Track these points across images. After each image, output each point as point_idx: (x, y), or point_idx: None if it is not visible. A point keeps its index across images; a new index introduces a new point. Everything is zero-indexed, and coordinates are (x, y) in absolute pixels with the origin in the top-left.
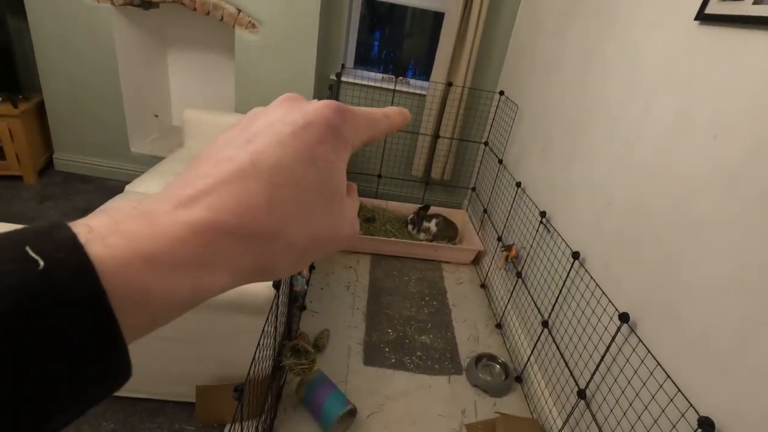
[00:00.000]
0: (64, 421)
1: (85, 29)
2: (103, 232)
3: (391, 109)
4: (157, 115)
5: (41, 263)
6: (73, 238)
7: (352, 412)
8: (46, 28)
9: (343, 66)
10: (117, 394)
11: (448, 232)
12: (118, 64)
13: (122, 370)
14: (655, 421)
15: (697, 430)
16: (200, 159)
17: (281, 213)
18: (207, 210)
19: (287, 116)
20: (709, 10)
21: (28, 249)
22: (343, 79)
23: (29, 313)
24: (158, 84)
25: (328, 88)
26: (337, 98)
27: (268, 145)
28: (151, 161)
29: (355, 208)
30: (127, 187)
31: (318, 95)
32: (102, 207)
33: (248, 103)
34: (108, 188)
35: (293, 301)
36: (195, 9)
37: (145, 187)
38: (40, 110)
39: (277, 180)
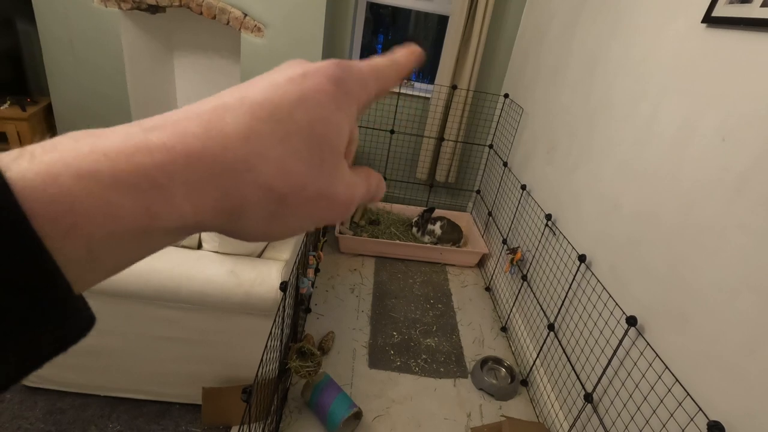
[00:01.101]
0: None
1: (92, 33)
2: (37, 151)
3: (398, 52)
4: None
5: None
6: None
7: (358, 415)
8: (54, 32)
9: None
10: (123, 395)
11: (453, 234)
12: (126, 67)
13: (70, 312)
14: (664, 425)
15: None
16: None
17: (258, 145)
18: (168, 133)
19: (287, 70)
20: (716, 13)
21: None
22: None
23: None
24: (165, 87)
25: None
26: None
27: (260, 85)
28: None
29: (357, 183)
30: None
31: None
32: None
33: None
34: None
35: (299, 304)
36: (201, 13)
37: None
38: (48, 113)
39: (259, 113)
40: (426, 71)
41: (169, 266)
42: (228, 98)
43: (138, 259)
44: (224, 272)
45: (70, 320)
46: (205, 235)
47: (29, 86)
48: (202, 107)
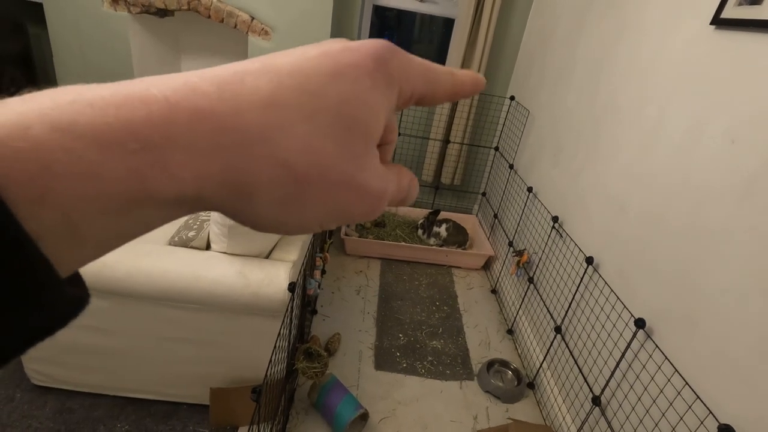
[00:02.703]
0: None
1: (102, 37)
2: (13, 101)
3: (460, 70)
4: None
5: None
6: None
7: (364, 417)
8: (64, 36)
9: None
10: (131, 395)
11: (459, 237)
12: (134, 71)
13: (50, 292)
14: (674, 429)
15: None
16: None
17: (279, 115)
18: (173, 87)
19: (326, 44)
20: (725, 15)
21: None
22: None
23: None
24: None
25: None
26: None
27: (291, 56)
28: None
29: (390, 179)
30: None
31: None
32: None
33: None
34: None
35: (305, 305)
36: (209, 16)
37: None
38: None
39: (286, 82)
40: None
41: (178, 267)
42: (251, 65)
43: (130, 235)
44: (233, 273)
45: (52, 301)
46: (213, 236)
47: (40, 89)
48: (220, 70)
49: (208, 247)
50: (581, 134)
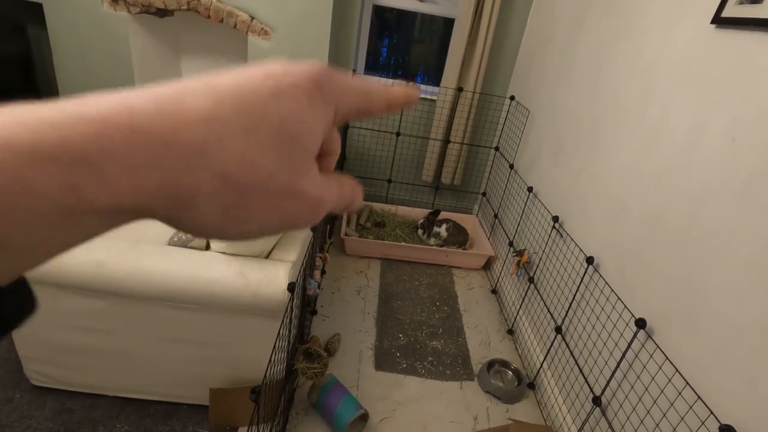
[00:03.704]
0: None
1: (102, 37)
2: None
3: (395, 87)
4: None
5: None
6: None
7: (364, 417)
8: (64, 37)
9: (354, 71)
10: (131, 395)
11: (459, 237)
12: (134, 70)
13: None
14: (674, 429)
15: None
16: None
17: (218, 131)
18: (111, 105)
19: (268, 66)
20: (726, 14)
21: None
22: None
23: None
24: None
25: None
26: None
27: (233, 75)
28: None
29: (328, 186)
30: None
31: None
32: None
33: None
34: None
35: (306, 305)
36: (209, 17)
37: None
38: None
39: (225, 99)
40: (432, 74)
41: (177, 267)
42: (192, 84)
43: (72, 243)
44: (232, 273)
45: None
46: None
47: (40, 90)
48: (161, 87)
49: (207, 247)
50: (581, 134)
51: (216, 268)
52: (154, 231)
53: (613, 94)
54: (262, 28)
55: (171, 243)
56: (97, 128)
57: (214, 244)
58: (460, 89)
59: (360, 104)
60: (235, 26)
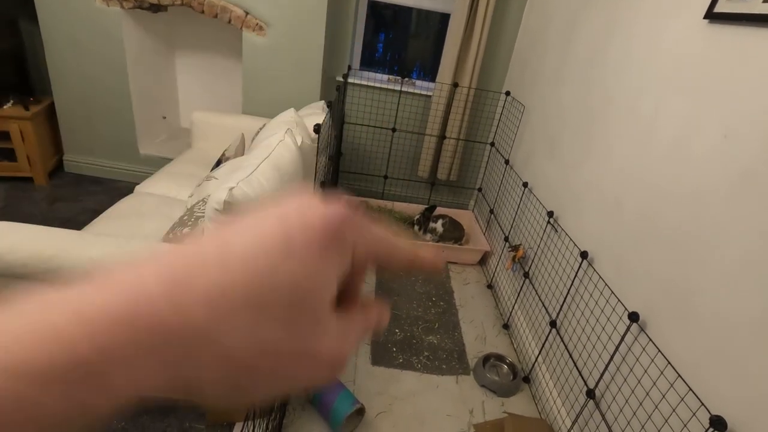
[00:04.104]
0: None
1: (94, 32)
2: None
3: (424, 249)
4: (165, 117)
5: None
6: None
7: (361, 412)
8: (56, 32)
9: (349, 67)
10: None
11: (455, 232)
12: (127, 66)
13: None
14: (666, 421)
15: (708, 429)
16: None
17: (226, 313)
18: (117, 293)
19: (285, 213)
20: (718, 9)
21: None
22: (350, 80)
23: None
24: (166, 86)
25: (336, 89)
26: (343, 99)
27: (247, 236)
28: (159, 162)
29: (348, 332)
30: (137, 188)
31: (325, 96)
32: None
33: (256, 105)
34: (118, 190)
35: None
36: (203, 12)
37: (154, 188)
38: (51, 113)
39: (236, 270)
40: (428, 69)
41: None
42: (209, 247)
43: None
44: None
45: None
46: (208, 232)
47: (32, 85)
48: (173, 259)
49: None
50: (576, 129)
51: None
52: (150, 227)
53: (606, 90)
54: (257, 24)
55: (166, 239)
56: (104, 330)
57: None
58: (455, 85)
59: (384, 256)
60: (229, 21)
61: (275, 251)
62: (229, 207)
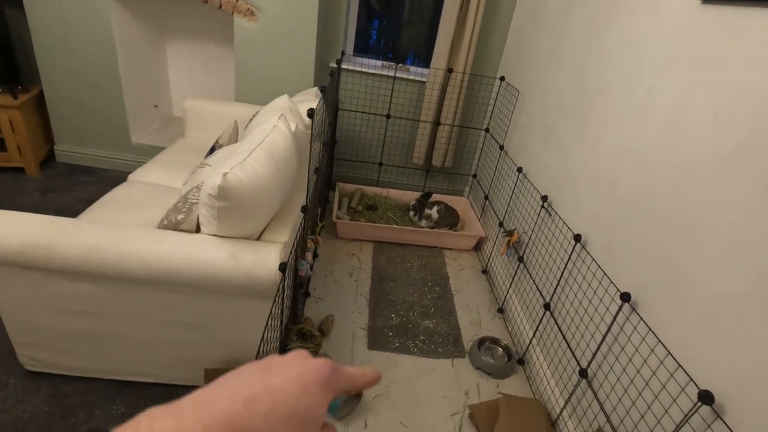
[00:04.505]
0: None
1: (83, 19)
2: None
3: (368, 370)
4: (156, 105)
5: None
6: None
7: (358, 395)
8: (43, 19)
9: (343, 53)
10: (127, 378)
11: (450, 219)
12: (117, 54)
13: None
14: (656, 397)
15: (697, 403)
16: (215, 389)
17: (274, 426)
18: (221, 416)
19: (296, 362)
20: None
21: None
22: (344, 66)
23: None
24: (157, 74)
25: (329, 74)
26: (337, 85)
27: (279, 378)
28: (152, 151)
29: None
30: (131, 177)
31: (318, 83)
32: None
33: (249, 92)
34: (111, 179)
35: (298, 287)
36: None
37: (147, 176)
38: (40, 101)
39: (277, 414)
40: (422, 56)
41: (168, 250)
42: (258, 387)
43: None
44: (224, 255)
45: None
46: (203, 218)
47: (20, 74)
48: (240, 393)
49: (198, 230)
50: (571, 113)
51: (207, 251)
52: (145, 214)
53: (601, 74)
54: (248, 9)
55: (161, 226)
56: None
57: (204, 227)
58: (450, 70)
59: (348, 386)
60: (220, 7)
61: (294, 392)
62: (223, 192)
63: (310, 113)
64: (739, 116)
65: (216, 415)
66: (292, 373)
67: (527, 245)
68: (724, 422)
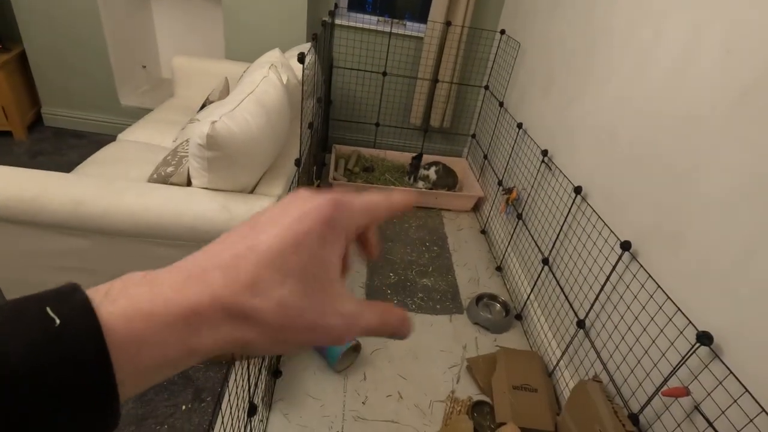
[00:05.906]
0: None
1: None
2: (115, 295)
3: (394, 193)
4: (144, 66)
5: (57, 321)
6: (86, 301)
7: (357, 348)
8: None
9: (336, 6)
10: None
11: (448, 179)
12: (100, 11)
13: (112, 419)
14: (653, 341)
15: (695, 344)
16: (215, 243)
17: (262, 291)
18: (202, 286)
19: (291, 210)
20: None
21: (48, 309)
22: (337, 21)
23: (44, 363)
24: (144, 34)
25: (321, 25)
26: (330, 40)
27: (267, 234)
28: (142, 114)
29: (360, 314)
30: (120, 136)
31: (310, 38)
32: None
33: (239, 50)
34: (102, 143)
35: None
36: None
37: (137, 135)
38: (23, 62)
39: (264, 262)
40: (419, 15)
41: (159, 203)
42: (241, 247)
43: (169, 376)
44: (216, 207)
45: (112, 423)
46: (193, 171)
47: (0, 34)
48: (222, 257)
49: (189, 184)
50: (573, 62)
51: (199, 204)
52: (134, 171)
53: (607, 19)
54: None
55: (151, 180)
56: (198, 304)
57: (196, 180)
58: (448, 23)
59: (368, 221)
60: None
61: (289, 244)
62: (212, 141)
63: (301, 57)
64: (753, 51)
65: None
66: (282, 225)
67: (526, 202)
68: (723, 362)
